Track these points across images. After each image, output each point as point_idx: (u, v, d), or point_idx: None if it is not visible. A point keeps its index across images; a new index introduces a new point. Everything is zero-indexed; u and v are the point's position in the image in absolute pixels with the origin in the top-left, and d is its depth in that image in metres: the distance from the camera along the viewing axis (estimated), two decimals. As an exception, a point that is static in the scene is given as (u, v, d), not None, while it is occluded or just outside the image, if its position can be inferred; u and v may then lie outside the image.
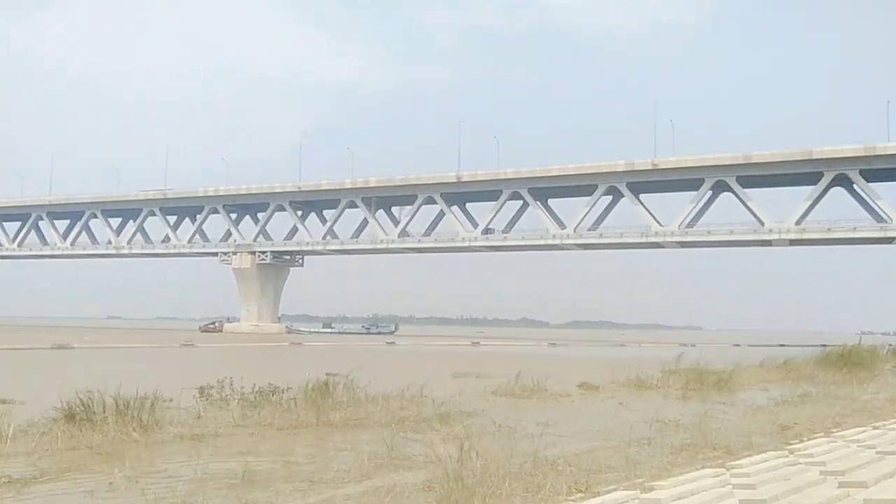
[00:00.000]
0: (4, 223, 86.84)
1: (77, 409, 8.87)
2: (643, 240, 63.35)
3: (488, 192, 68.26)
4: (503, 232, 69.14)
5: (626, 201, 63.56)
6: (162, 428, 9.05)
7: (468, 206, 72.82)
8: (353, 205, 73.57)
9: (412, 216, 71.86)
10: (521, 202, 68.14)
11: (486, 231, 68.56)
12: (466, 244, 69.37)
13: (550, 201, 68.81)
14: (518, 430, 9.37)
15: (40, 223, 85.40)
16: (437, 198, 69.14)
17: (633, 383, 16.60)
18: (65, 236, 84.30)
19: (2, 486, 6.30)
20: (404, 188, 70.67)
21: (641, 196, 63.76)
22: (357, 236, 75.32)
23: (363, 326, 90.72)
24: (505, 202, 67.39)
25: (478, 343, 52.67)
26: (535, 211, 66.76)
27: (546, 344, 54.58)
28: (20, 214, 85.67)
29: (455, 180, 67.94)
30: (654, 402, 13.38)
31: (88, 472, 7.03)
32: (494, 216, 68.43)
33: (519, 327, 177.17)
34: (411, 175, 70.65)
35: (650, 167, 61.10)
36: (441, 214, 71.22)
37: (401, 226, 72.27)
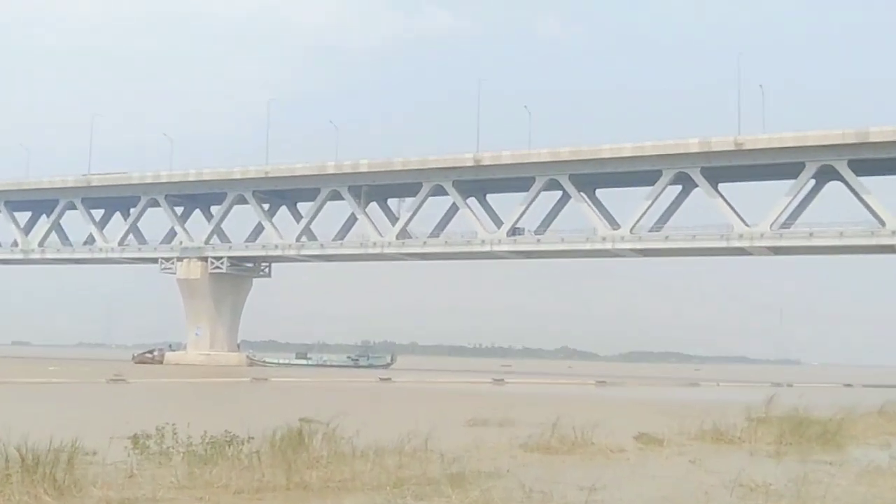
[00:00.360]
0: None
1: (-30, 465, 8.90)
2: (723, 244, 63.17)
3: (516, 179, 68.33)
4: (535, 233, 69.20)
5: (701, 192, 63.43)
6: (82, 490, 9.05)
7: (489, 198, 72.99)
8: (336, 196, 73.83)
9: (415, 211, 72.07)
10: (559, 193, 68.19)
11: (514, 231, 68.65)
12: (487, 248, 69.44)
13: (599, 192, 68.88)
14: (555, 496, 9.33)
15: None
16: (449, 187, 69.32)
17: (709, 435, 16.48)
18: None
19: None
20: (405, 174, 70.87)
21: (720, 186, 63.62)
22: (342, 238, 75.58)
23: (349, 357, 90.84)
24: (539, 193, 67.46)
25: (501, 381, 52.58)
26: (579, 205, 66.78)
27: (593, 382, 54.41)
28: None
29: (472, 164, 68.05)
30: (736, 460, 13.28)
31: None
32: (525, 212, 68.53)
33: (557, 359, 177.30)
34: (414, 157, 70.84)
35: (732, 147, 60.92)
36: (454, 209, 71.41)
37: (400, 223, 72.44)
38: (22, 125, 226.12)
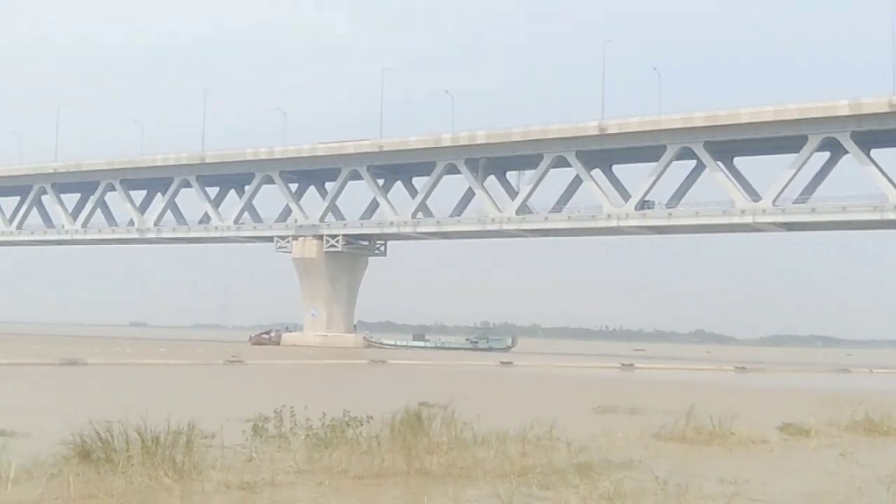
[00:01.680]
0: (2, 198, 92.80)
1: (93, 446, 9.37)
2: (877, 216, 60.52)
3: (645, 148, 67.13)
4: (667, 206, 67.90)
5: (851, 159, 60.87)
6: (202, 473, 9.41)
7: (615, 168, 71.99)
8: (453, 169, 74.15)
9: (536, 184, 71.73)
10: (692, 162, 66.67)
11: (643, 204, 67.57)
12: (614, 223, 68.53)
13: (737, 161, 67.03)
14: (692, 489, 9.18)
15: (44, 198, 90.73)
16: (572, 158, 68.66)
17: (862, 426, 15.96)
18: (74, 215, 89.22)
19: (2, 543, 6.77)
20: (525, 145, 70.52)
21: (873, 152, 60.89)
22: (459, 213, 75.92)
23: (468, 340, 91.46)
24: (670, 163, 66.11)
25: (631, 365, 51.94)
26: (715, 175, 65.13)
27: (732, 368, 53.18)
28: (19, 187, 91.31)
29: (597, 132, 67.18)
30: (892, 453, 12.82)
31: (108, 529, 7.43)
32: (655, 183, 67.29)
33: (692, 344, 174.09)
34: (534, 126, 70.36)
35: (887, 109, 58.14)
36: (577, 181, 70.78)
37: (520, 198, 72.22)
38: (134, 100, 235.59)
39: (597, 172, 70.49)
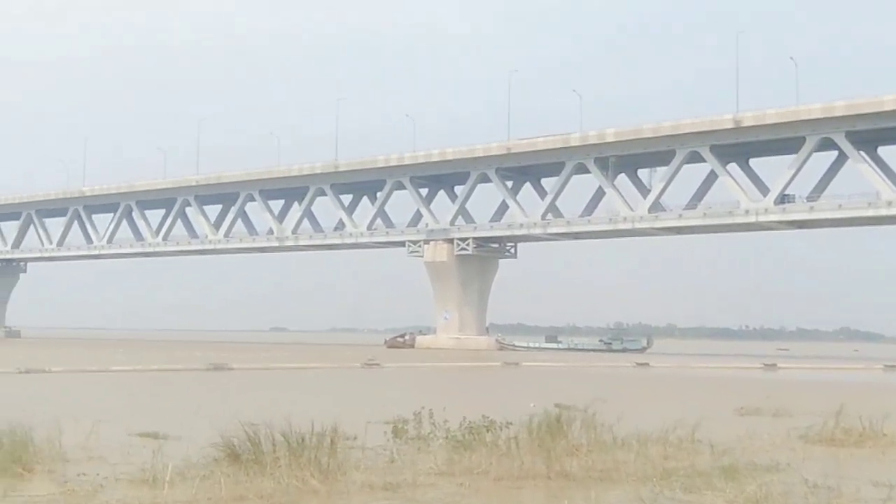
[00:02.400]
0: (147, 212, 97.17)
1: (242, 448, 9.73)
2: None
3: (783, 140, 64.98)
4: (808, 199, 65.53)
5: None
6: (346, 474, 9.65)
7: (752, 162, 69.95)
8: (582, 169, 73.60)
9: (669, 181, 70.39)
10: (834, 153, 64.16)
11: (783, 198, 65.43)
12: (752, 219, 66.57)
13: (881, 150, 64.13)
14: (844, 493, 8.85)
15: (187, 210, 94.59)
16: (706, 153, 67.09)
17: None
18: (217, 225, 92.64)
19: (162, 541, 7.09)
20: (656, 141, 69.30)
21: None
22: (589, 213, 75.30)
23: (601, 341, 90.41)
24: (810, 154, 63.81)
25: (774, 365, 50.41)
26: (858, 166, 62.49)
27: (881, 367, 50.89)
28: (164, 200, 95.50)
29: (732, 126, 65.39)
30: None
31: (260, 529, 7.69)
32: (794, 176, 65.06)
33: (838, 342, 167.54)
34: (665, 122, 69.08)
35: None
36: (712, 177, 69.18)
37: (652, 195, 71.06)
38: (269, 113, 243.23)
39: (732, 167, 68.71)
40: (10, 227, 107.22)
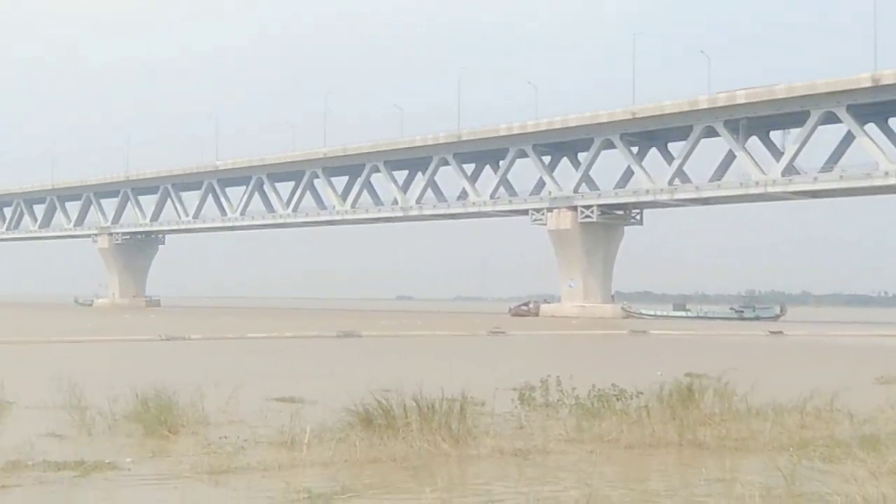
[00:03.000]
0: (277, 184, 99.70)
1: (375, 413, 9.98)
2: None
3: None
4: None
5: None
6: (476, 439, 9.81)
7: (892, 122, 66.74)
8: (711, 132, 71.61)
9: (803, 143, 67.80)
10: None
11: (925, 160, 62.24)
12: (892, 181, 63.52)
13: None
14: None
15: (315, 182, 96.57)
16: (842, 113, 64.29)
17: None
18: (344, 196, 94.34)
19: (301, 502, 7.34)
20: (789, 102, 66.69)
21: None
22: (719, 178, 73.35)
23: (732, 309, 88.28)
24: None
25: (916, 332, 48.32)
26: None
27: None
28: (293, 172, 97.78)
29: (870, 84, 62.42)
30: None
31: (395, 490, 7.90)
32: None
33: None
34: (799, 82, 66.47)
35: None
36: (849, 138, 66.31)
37: (785, 158, 68.63)
38: (391, 83, 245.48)
39: (870, 127, 65.68)
40: (149, 202, 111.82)
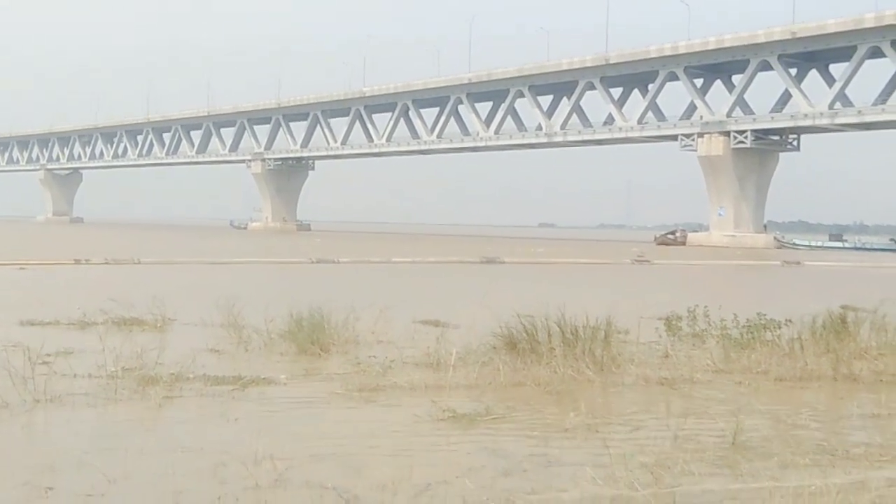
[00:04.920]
0: (422, 110, 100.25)
1: (518, 337, 10.07)
2: None
3: None
4: None
5: None
6: (620, 367, 9.80)
7: None
8: (877, 53, 67.62)
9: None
10: None
11: None
12: None
13: None
14: None
15: (460, 108, 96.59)
16: None
17: None
18: (487, 123, 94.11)
19: (447, 421, 7.55)
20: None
21: None
22: (884, 101, 69.37)
23: (892, 240, 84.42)
24: None
25: None
26: None
27: None
28: (437, 98, 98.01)
29: None
30: None
31: (538, 414, 8.00)
32: None
33: None
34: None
35: None
36: None
37: (959, 81, 64.31)
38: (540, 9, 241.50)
39: None
40: (299, 128, 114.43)
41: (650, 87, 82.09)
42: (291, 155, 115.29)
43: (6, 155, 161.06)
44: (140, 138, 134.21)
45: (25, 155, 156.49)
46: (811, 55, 72.70)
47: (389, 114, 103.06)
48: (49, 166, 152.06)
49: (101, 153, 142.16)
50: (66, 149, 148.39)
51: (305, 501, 5.45)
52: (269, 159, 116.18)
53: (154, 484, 5.82)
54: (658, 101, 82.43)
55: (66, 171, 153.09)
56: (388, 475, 5.85)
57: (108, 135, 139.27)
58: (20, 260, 28.88)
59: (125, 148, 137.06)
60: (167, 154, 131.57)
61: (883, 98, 69.59)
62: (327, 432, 7.30)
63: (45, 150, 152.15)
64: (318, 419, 7.80)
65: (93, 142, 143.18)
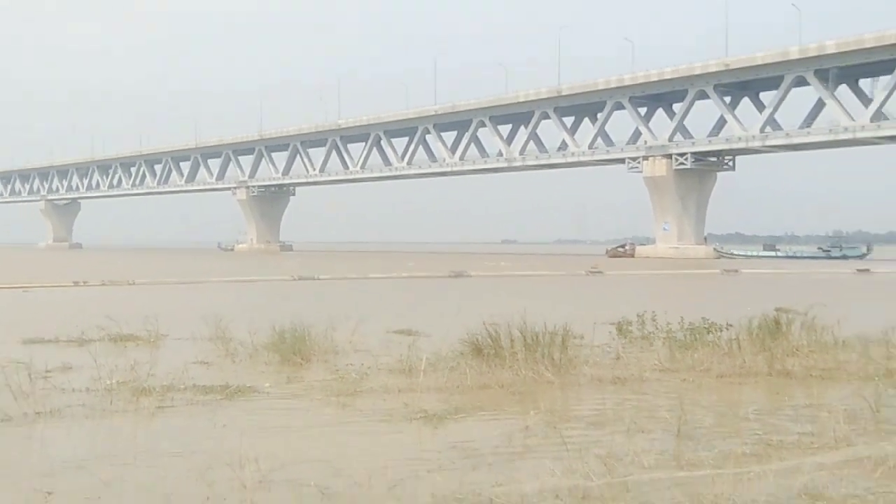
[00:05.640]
0: (393, 140, 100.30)
1: (484, 344, 10.05)
2: None
3: None
4: None
5: None
6: (576, 368, 9.81)
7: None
8: (801, 82, 68.68)
9: (892, 90, 64.42)
10: None
11: None
12: (982, 124, 59.94)
13: None
14: None
15: (427, 137, 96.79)
16: (933, 60, 60.71)
17: None
18: (452, 149, 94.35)
19: (418, 420, 7.52)
20: (879, 51, 63.29)
21: None
22: (808, 125, 70.42)
23: (820, 248, 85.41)
24: None
25: None
26: None
27: None
28: (407, 129, 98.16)
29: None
30: None
31: (502, 413, 7.98)
32: None
33: None
34: (889, 30, 62.86)
35: None
36: (939, 84, 62.58)
37: (874, 105, 65.40)
38: (493, 44, 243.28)
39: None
40: (280, 157, 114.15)
41: (599, 115, 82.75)
42: (273, 182, 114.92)
43: (9, 187, 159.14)
44: (133, 170, 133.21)
45: (27, 187, 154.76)
46: (744, 84, 73.80)
47: (363, 143, 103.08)
48: (49, 197, 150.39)
49: (98, 184, 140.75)
50: (64, 181, 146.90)
51: (288, 500, 5.40)
52: (253, 186, 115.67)
53: (147, 487, 5.73)
54: (606, 128, 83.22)
55: (65, 202, 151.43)
56: (364, 472, 5.80)
57: (104, 167, 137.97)
58: (23, 283, 28.47)
59: (120, 178, 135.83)
60: (159, 183, 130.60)
61: (808, 122, 70.67)
62: (308, 435, 7.25)
63: (45, 182, 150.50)
64: (300, 423, 7.73)
65: (90, 173, 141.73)
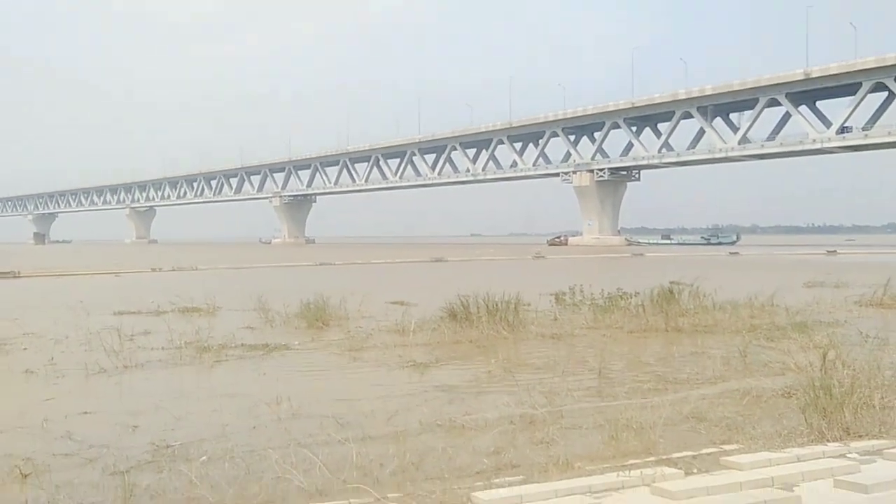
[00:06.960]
0: (388, 160, 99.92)
1: (458, 310, 10.06)
2: None
3: (843, 86, 58.17)
4: (863, 129, 58.72)
5: None
6: (525, 328, 9.83)
7: (819, 104, 63.26)
8: (687, 115, 69.02)
9: (753, 121, 64.89)
10: (885, 94, 56.95)
11: (843, 130, 58.90)
12: (818, 145, 60.52)
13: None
14: (891, 341, 8.13)
15: (413, 158, 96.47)
16: (782, 98, 61.21)
17: None
18: (433, 167, 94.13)
19: (409, 367, 7.51)
20: (743, 92, 63.84)
21: None
22: (693, 147, 70.79)
23: (702, 237, 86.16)
24: (865, 95, 56.91)
25: (834, 251, 46.34)
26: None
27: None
28: (399, 152, 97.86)
29: (802, 77, 59.22)
30: None
31: (471, 362, 8.00)
32: (853, 112, 58.34)
33: (885, 234, 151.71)
34: (750, 78, 63.41)
35: None
36: (786, 117, 63.14)
37: (741, 132, 65.86)
38: (459, 86, 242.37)
39: (803, 108, 62.39)
40: (305, 174, 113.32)
41: (540, 141, 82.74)
42: (300, 193, 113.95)
43: (103, 198, 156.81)
44: (195, 184, 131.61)
45: (115, 197, 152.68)
46: (646, 117, 74.10)
47: (366, 163, 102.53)
48: (132, 205, 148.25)
49: (168, 195, 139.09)
50: (143, 192, 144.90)
51: (313, 426, 5.37)
52: (285, 196, 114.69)
53: (208, 420, 5.69)
54: (546, 150, 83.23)
55: (144, 209, 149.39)
56: (369, 406, 5.79)
57: (173, 182, 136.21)
58: (114, 270, 28.12)
59: (185, 191, 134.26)
60: (214, 194, 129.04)
61: (693, 144, 71.04)
62: (327, 380, 7.23)
63: (128, 194, 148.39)
64: (321, 371, 7.71)
65: (162, 187, 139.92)
